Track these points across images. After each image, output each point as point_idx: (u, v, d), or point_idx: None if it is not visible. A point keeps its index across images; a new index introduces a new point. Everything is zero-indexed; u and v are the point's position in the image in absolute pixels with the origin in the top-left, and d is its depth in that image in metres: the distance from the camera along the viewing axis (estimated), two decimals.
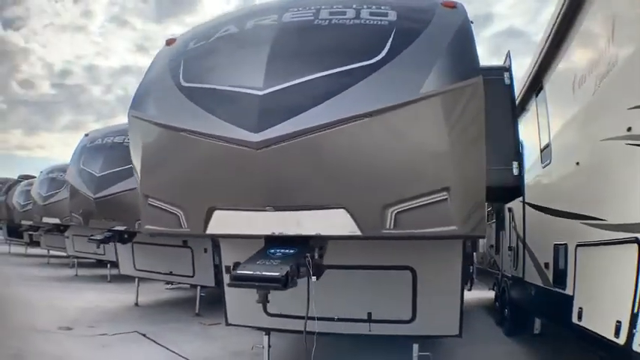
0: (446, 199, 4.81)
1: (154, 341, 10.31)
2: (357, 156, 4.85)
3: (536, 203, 8.93)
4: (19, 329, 10.68)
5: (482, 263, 16.00)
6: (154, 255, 13.80)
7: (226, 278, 6.85)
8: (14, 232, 29.91)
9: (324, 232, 5.26)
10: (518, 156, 6.45)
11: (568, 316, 6.34)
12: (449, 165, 4.83)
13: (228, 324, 8.27)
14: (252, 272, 5.21)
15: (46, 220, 20.89)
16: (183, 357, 9.14)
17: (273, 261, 5.30)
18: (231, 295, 7.95)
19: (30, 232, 27.18)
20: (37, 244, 27.46)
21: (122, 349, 9.75)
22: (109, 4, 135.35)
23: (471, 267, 14.50)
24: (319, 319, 7.24)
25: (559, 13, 7.51)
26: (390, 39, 4.93)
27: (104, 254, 18.47)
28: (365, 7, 5.37)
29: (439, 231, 4.95)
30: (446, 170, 4.83)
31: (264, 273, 5.12)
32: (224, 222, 5.49)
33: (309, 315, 6.06)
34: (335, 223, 5.06)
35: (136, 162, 6.02)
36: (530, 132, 9.50)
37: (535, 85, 9.42)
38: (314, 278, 5.66)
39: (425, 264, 7.09)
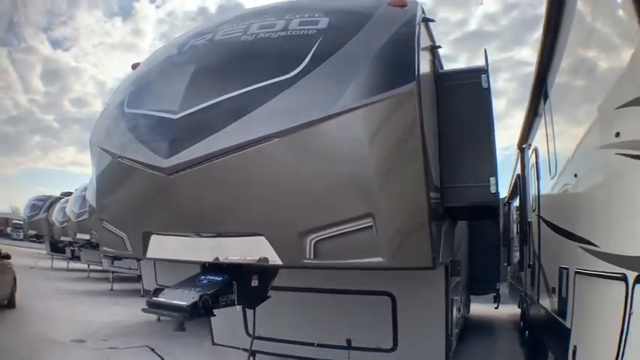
0: (370, 226, 4.41)
1: (160, 356, 10.32)
2: (270, 179, 4.60)
3: (547, 218, 8.33)
4: (32, 339, 10.89)
5: (513, 278, 15.18)
6: (175, 270, 13.65)
7: None
8: (56, 248, 30.61)
9: (245, 261, 4.98)
10: (495, 171, 5.66)
11: (566, 352, 5.65)
12: (372, 188, 4.41)
13: (214, 343, 8.20)
14: (163, 300, 5.11)
15: (79, 236, 21.51)
16: None
17: (194, 289, 5.14)
18: (216, 316, 7.85)
19: (72, 248, 27.70)
20: (78, 258, 28.00)
21: None
22: (158, 23, 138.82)
23: (498, 284, 13.95)
24: (298, 343, 7.12)
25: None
26: (312, 50, 4.64)
27: (137, 269, 18.40)
28: (297, 16, 5.13)
29: (363, 262, 4.54)
30: (368, 194, 4.42)
31: (173, 301, 4.97)
32: (161, 247, 5.44)
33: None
34: (256, 251, 4.80)
35: (94, 185, 6.09)
36: (541, 139, 8.89)
37: (540, 87, 8.82)
38: (238, 307, 5.59)
39: (404, 290, 6.66)
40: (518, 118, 12.00)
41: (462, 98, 5.54)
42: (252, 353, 7.42)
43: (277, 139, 4.39)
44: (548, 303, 7.66)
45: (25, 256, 30.85)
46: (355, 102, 4.32)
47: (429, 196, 4.65)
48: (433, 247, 4.72)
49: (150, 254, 5.57)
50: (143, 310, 5.28)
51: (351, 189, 4.46)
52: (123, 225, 5.77)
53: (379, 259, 4.45)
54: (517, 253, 13.42)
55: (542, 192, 8.67)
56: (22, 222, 49.46)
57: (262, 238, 4.72)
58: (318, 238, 4.52)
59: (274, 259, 4.73)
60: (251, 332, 6.07)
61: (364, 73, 4.47)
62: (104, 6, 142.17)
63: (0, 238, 20.06)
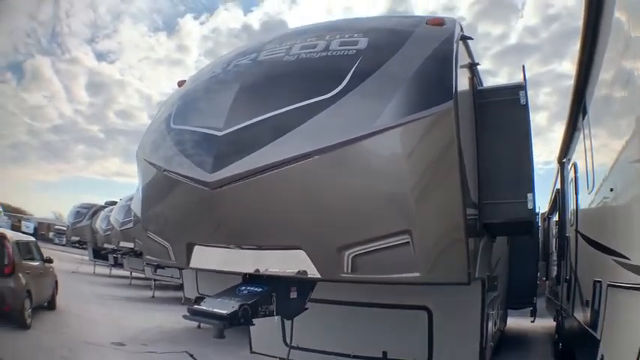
0: (407, 242, 4.50)
1: None
2: (310, 195, 4.72)
3: (583, 232, 8.30)
4: (72, 341, 11.19)
5: (551, 292, 15.05)
6: (216, 280, 13.82)
7: None
8: (98, 254, 31.14)
9: (285, 273, 5.13)
10: (533, 187, 5.74)
11: None
12: (409, 205, 4.50)
13: (252, 352, 8.28)
14: (205, 308, 5.25)
15: (123, 244, 21.98)
16: None
17: (234, 298, 5.28)
18: (255, 326, 7.97)
19: (114, 255, 28.19)
20: (121, 265, 28.38)
21: None
22: (202, 40, 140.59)
23: (535, 298, 13.82)
24: (334, 354, 7.19)
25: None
26: (352, 69, 4.76)
27: (179, 278, 18.46)
28: (337, 36, 5.28)
29: (401, 277, 4.65)
30: (406, 211, 4.52)
31: (214, 310, 5.12)
32: (203, 257, 5.63)
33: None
34: (294, 264, 4.93)
35: (140, 196, 6.33)
36: (580, 153, 8.85)
37: (579, 101, 8.80)
38: (277, 318, 5.63)
39: (441, 304, 6.67)
40: (559, 132, 11.94)
41: (501, 115, 5.59)
42: None
43: (318, 157, 4.53)
44: (581, 315, 7.67)
45: (67, 261, 31.33)
46: (393, 120, 4.45)
47: (466, 212, 4.72)
48: (469, 263, 4.80)
49: (193, 264, 5.77)
50: (184, 316, 5.44)
51: (389, 206, 4.56)
52: (167, 235, 5.97)
53: (415, 275, 4.55)
54: (555, 268, 13.35)
55: (580, 206, 8.64)
56: (64, 228, 50.47)
57: (301, 251, 4.85)
58: (356, 253, 4.62)
59: (313, 273, 4.86)
60: (289, 342, 6.18)
61: (403, 91, 4.58)
62: (148, 21, 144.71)
63: (42, 242, 20.43)
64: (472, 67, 5.90)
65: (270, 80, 5.30)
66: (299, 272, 4.97)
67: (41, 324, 12.28)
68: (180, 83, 6.62)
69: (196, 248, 5.65)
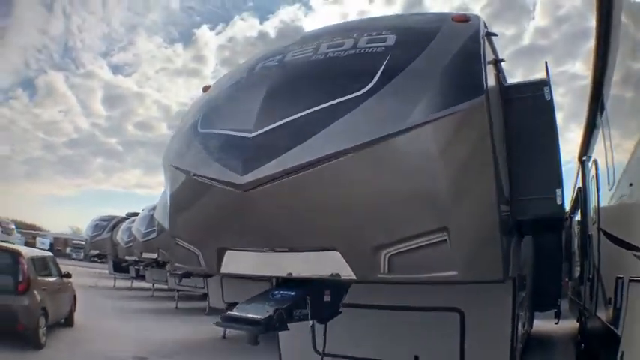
0: (444, 240, 4.49)
1: None
2: (344, 195, 4.71)
3: (605, 229, 8.26)
4: (92, 356, 11.28)
5: (573, 293, 14.94)
6: (242, 287, 13.80)
7: None
8: (119, 267, 31.21)
9: (319, 276, 5.12)
10: (561, 182, 5.72)
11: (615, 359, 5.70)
12: (446, 201, 4.51)
13: None
14: (238, 314, 5.22)
15: (145, 255, 22.07)
16: None
17: (268, 303, 5.25)
18: (284, 332, 7.91)
19: (136, 267, 28.27)
20: (143, 277, 28.57)
21: None
22: (219, 49, 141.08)
23: (559, 299, 13.69)
24: (364, 359, 7.12)
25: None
26: (382, 67, 4.78)
27: (203, 287, 18.58)
28: (365, 35, 5.29)
29: (438, 276, 4.62)
30: (442, 208, 4.51)
31: (248, 315, 5.09)
32: (234, 262, 5.63)
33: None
34: (329, 265, 4.92)
35: (167, 204, 6.33)
36: (599, 150, 8.83)
37: (597, 98, 8.80)
38: (310, 323, 5.52)
39: (472, 305, 6.61)
40: (576, 132, 11.90)
41: (527, 110, 5.61)
42: None
43: (351, 155, 4.52)
44: (603, 313, 7.61)
45: (86, 276, 31.51)
46: (426, 116, 4.46)
47: (500, 208, 4.75)
48: (504, 260, 4.82)
49: (224, 269, 5.73)
50: (217, 324, 5.43)
51: (425, 203, 4.55)
52: (197, 241, 5.96)
53: (453, 273, 4.54)
54: (578, 268, 13.32)
55: (602, 203, 8.59)
56: (81, 242, 50.62)
57: (336, 252, 4.85)
58: (393, 253, 4.62)
59: (348, 274, 4.85)
60: (318, 349, 6.16)
61: (434, 87, 4.61)
62: (164, 33, 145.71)
63: (59, 258, 20.45)
64: (497, 63, 5.91)
65: (299, 80, 5.31)
66: (332, 275, 4.97)
67: (57, 342, 12.14)
68: (205, 88, 6.66)
69: (227, 253, 5.65)
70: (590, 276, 9.82)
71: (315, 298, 5.44)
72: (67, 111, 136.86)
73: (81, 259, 56.99)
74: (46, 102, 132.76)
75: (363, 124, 4.59)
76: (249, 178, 4.85)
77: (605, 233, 8.09)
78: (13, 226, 42.73)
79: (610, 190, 7.79)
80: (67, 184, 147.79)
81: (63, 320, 14.17)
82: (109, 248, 32.59)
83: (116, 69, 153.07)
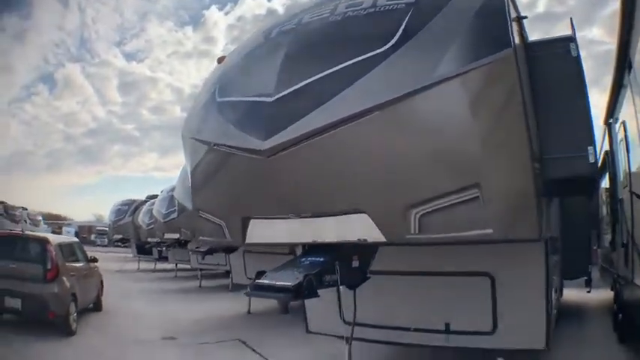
0: (477, 197, 4.28)
1: (252, 349, 10.49)
2: (371, 154, 4.54)
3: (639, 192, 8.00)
4: (121, 340, 11.20)
5: (605, 261, 14.49)
6: (265, 263, 13.81)
7: None
8: (142, 249, 31.51)
9: (348, 240, 4.96)
10: (593, 139, 5.39)
11: None
12: (476, 157, 4.31)
13: (308, 331, 8.19)
14: (268, 282, 5.15)
15: (167, 236, 22.16)
16: None
17: (297, 270, 5.16)
18: (311, 302, 7.84)
19: (159, 248, 28.50)
20: (165, 259, 28.78)
21: (217, 357, 10.04)
22: (228, 29, 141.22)
23: (590, 266, 13.42)
24: (393, 328, 7.01)
25: None
26: (404, 23, 4.57)
27: (226, 264, 18.66)
28: None
29: (472, 235, 4.41)
30: (473, 163, 4.32)
31: (278, 283, 5.03)
32: (260, 231, 5.48)
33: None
34: (358, 229, 4.76)
35: (189, 177, 6.26)
36: (629, 110, 8.56)
37: (624, 58, 8.50)
38: (342, 288, 5.47)
39: (504, 269, 6.41)
40: (597, 97, 11.59)
41: (554, 68, 5.38)
42: (346, 339, 7.42)
43: (377, 113, 4.35)
44: None
45: (111, 261, 31.81)
46: (453, 70, 4.27)
47: (534, 165, 4.56)
48: (539, 216, 4.63)
49: (249, 239, 5.60)
50: (246, 293, 5.40)
51: (455, 159, 4.37)
52: (221, 212, 5.84)
53: (488, 231, 4.34)
54: (607, 236, 12.92)
55: (633, 166, 8.35)
56: (105, 228, 51.41)
57: (364, 215, 4.68)
58: (423, 212, 4.44)
59: (377, 237, 4.68)
60: (346, 319, 6.05)
61: (459, 41, 4.42)
62: (174, 17, 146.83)
63: (84, 245, 20.65)
64: (520, 20, 5.67)
65: (318, 41, 5.14)
66: (360, 238, 4.82)
67: (87, 328, 12.15)
68: (220, 60, 6.49)
69: (252, 223, 5.52)
70: (625, 242, 9.46)
71: (343, 264, 5.34)
72: (85, 101, 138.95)
73: (105, 245, 57.82)
74: (65, 94, 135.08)
75: (387, 81, 4.42)
76: (271, 143, 4.72)
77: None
78: (40, 218, 43.31)
79: None
80: (87, 172, 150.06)
81: (91, 305, 14.17)
82: (131, 232, 32.89)
83: (129, 56, 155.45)
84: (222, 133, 5.28)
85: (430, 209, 4.42)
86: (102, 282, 15.27)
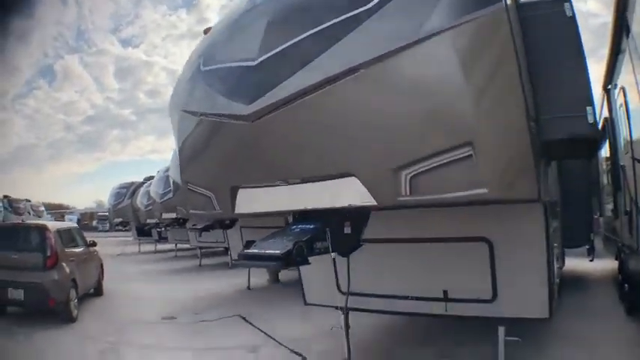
0: (470, 155, 4.06)
1: (251, 324, 10.52)
2: (359, 114, 4.36)
3: None
4: (120, 323, 11.10)
5: (607, 229, 14.25)
6: (263, 234, 13.69)
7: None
8: (142, 232, 31.36)
9: (338, 205, 4.78)
10: (591, 100, 5.14)
11: None
12: (468, 114, 4.08)
13: (306, 304, 8.10)
14: (257, 251, 5.07)
15: (165, 216, 22.06)
16: (272, 338, 9.20)
17: (287, 237, 5.07)
18: (307, 275, 7.77)
19: (158, 229, 28.39)
20: (165, 239, 28.67)
21: (216, 334, 9.97)
22: (221, 9, 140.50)
23: (591, 234, 13.29)
24: (391, 297, 6.90)
25: None
26: None
27: (224, 241, 18.47)
28: None
29: (466, 196, 4.17)
30: (465, 121, 4.09)
31: (267, 251, 4.93)
32: (249, 201, 5.38)
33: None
34: (347, 193, 4.58)
35: (176, 153, 6.26)
36: (628, 75, 8.38)
37: (621, 22, 8.32)
38: (338, 259, 5.38)
39: (501, 234, 6.20)
40: (594, 70, 11.36)
41: (548, 28, 5.17)
42: (347, 310, 7.32)
43: (363, 71, 4.17)
44: None
45: (113, 245, 31.99)
46: (443, 24, 4.05)
47: (530, 124, 4.37)
48: (538, 177, 4.45)
49: (238, 210, 5.48)
50: (235, 262, 5.35)
51: (447, 116, 4.16)
52: (209, 183, 5.75)
53: (482, 191, 4.11)
54: (609, 205, 12.76)
55: (634, 131, 8.18)
56: (106, 214, 51.37)
57: (353, 178, 4.51)
58: (414, 173, 4.24)
59: (367, 200, 4.49)
60: (342, 289, 5.93)
61: None
62: (168, 1, 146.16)
63: (87, 231, 20.58)
64: None
65: (301, 2, 4.91)
66: (351, 203, 4.63)
67: (88, 313, 12.09)
68: (207, 31, 6.33)
69: (240, 192, 5.40)
70: (628, 209, 9.29)
71: (335, 230, 5.23)
72: (83, 90, 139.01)
73: (107, 230, 58.12)
74: (64, 85, 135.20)
75: (373, 38, 4.22)
76: (254, 107, 4.61)
77: None
78: (43, 208, 43.64)
79: None
80: (87, 159, 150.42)
81: (92, 290, 14.15)
82: (130, 214, 32.69)
83: (125, 42, 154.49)
84: (207, 101, 5.19)
85: (421, 170, 4.22)
86: (102, 266, 15.23)
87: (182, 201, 14.53)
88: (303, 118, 4.53)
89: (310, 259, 5.04)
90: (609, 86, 10.81)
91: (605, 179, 13.44)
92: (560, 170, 10.57)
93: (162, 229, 26.71)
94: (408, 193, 4.30)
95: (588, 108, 4.99)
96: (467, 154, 4.07)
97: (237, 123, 4.79)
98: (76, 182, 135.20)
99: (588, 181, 13.09)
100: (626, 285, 10.49)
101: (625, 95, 8.79)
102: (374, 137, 4.34)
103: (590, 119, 4.96)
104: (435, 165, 4.16)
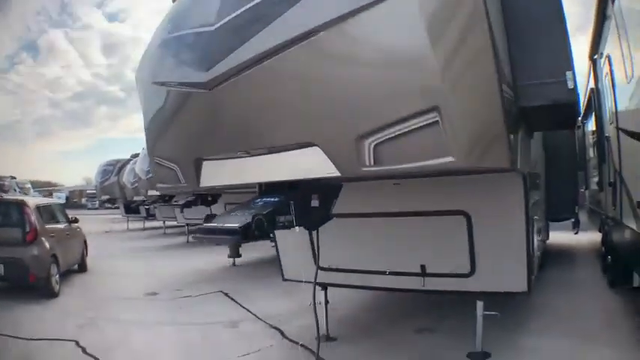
0: (436, 121, 3.80)
1: (233, 299, 10.51)
2: (319, 80, 4.14)
3: (627, 128, 7.65)
4: (100, 299, 11.10)
5: (592, 202, 14.24)
6: None
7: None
8: (130, 209, 31.45)
9: (302, 176, 4.64)
10: (572, 64, 4.83)
11: None
12: (434, 77, 3.79)
13: (284, 279, 8.00)
14: (215, 225, 5.05)
15: (150, 193, 21.86)
16: (252, 314, 9.21)
17: (247, 211, 5.01)
18: (285, 251, 7.67)
19: (145, 206, 28.44)
20: (154, 216, 28.67)
21: (197, 309, 9.94)
22: None
23: (576, 207, 13.24)
24: (368, 272, 6.79)
25: None
26: None
27: None
28: None
29: (433, 165, 3.91)
30: (430, 84, 3.81)
31: (225, 225, 4.89)
32: (213, 173, 5.20)
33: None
34: (311, 164, 4.36)
35: (144, 124, 5.98)
36: (614, 43, 8.16)
37: None
38: (298, 229, 5.19)
39: (479, 207, 6.05)
40: (583, 43, 11.20)
41: None
42: (322, 285, 7.19)
43: (323, 33, 3.96)
44: (632, 220, 7.09)
45: (101, 222, 31.84)
46: None
47: (502, 88, 4.09)
48: (510, 145, 4.20)
49: (203, 183, 5.30)
50: (194, 237, 5.25)
51: (411, 79, 3.89)
52: (173, 156, 5.57)
53: (449, 159, 3.85)
54: (595, 178, 12.56)
55: (619, 101, 8.03)
56: (94, 191, 51.41)
57: (316, 148, 4.30)
58: (378, 141, 4.01)
59: (331, 171, 4.28)
60: (320, 265, 5.79)
61: None
62: None
63: (76, 209, 20.25)
64: None
65: None
66: (315, 174, 4.45)
67: (71, 288, 12.14)
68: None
69: (205, 164, 5.22)
70: (612, 180, 9.22)
71: (300, 204, 5.11)
72: (69, 65, 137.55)
73: (96, 208, 57.87)
74: (49, 60, 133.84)
75: None
76: (212, 74, 4.42)
77: (627, 132, 7.54)
78: (29, 186, 43.52)
79: (628, 84, 7.22)
80: (75, 137, 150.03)
81: (76, 267, 14.22)
82: (117, 192, 32.49)
83: (111, 17, 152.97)
84: (167, 70, 5.02)
85: (385, 138, 3.98)
86: (85, 242, 15.22)
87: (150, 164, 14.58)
88: (261, 85, 4.34)
89: (287, 234, 4.91)
90: (595, 56, 10.65)
91: (591, 152, 13.34)
92: (546, 143, 10.46)
93: (150, 206, 26.65)
94: (372, 163, 4.08)
95: (568, 73, 4.75)
96: (433, 120, 3.82)
97: (196, 91, 4.64)
98: (64, 159, 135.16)
99: (574, 154, 13.02)
100: (608, 257, 10.52)
101: (610, 64, 8.62)
102: (335, 104, 4.12)
103: (570, 84, 4.73)
104: (399, 132, 3.92)
